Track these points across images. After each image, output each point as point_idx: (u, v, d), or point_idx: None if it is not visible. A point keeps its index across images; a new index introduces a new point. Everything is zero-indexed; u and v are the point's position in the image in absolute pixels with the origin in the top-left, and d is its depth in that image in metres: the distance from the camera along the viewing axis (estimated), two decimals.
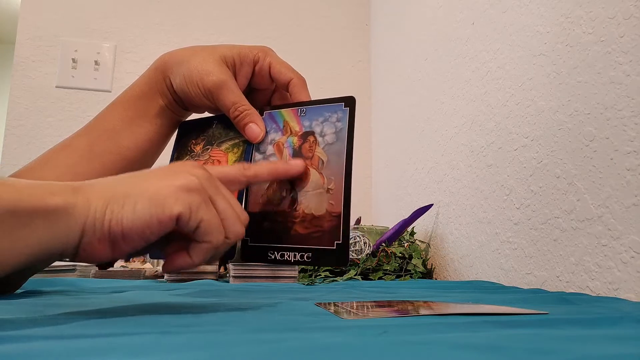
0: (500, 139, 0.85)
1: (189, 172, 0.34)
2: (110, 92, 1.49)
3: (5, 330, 0.26)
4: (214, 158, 0.47)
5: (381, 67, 1.60)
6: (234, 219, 0.35)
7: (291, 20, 1.67)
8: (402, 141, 1.34)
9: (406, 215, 1.09)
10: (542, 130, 0.73)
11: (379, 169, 1.54)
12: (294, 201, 0.42)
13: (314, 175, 0.41)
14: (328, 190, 0.40)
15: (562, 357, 0.20)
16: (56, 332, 0.25)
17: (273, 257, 0.42)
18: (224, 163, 0.46)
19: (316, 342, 0.22)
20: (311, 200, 0.41)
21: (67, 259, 0.32)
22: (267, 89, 0.49)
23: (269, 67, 0.47)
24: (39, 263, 0.31)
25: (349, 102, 0.42)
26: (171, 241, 0.36)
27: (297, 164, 0.42)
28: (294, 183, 0.42)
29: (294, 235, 0.41)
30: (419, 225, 1.14)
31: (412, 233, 1.08)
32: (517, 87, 0.81)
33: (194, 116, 0.52)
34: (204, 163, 0.47)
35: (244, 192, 0.44)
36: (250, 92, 0.48)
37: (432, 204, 1.09)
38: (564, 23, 0.70)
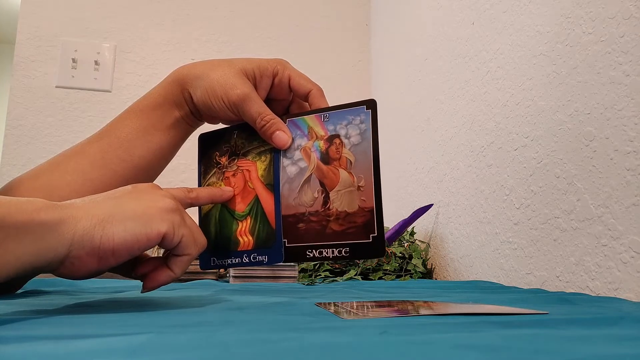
0: (500, 139, 0.85)
1: (160, 194, 0.38)
2: (110, 92, 1.49)
3: (5, 330, 0.26)
4: (242, 168, 0.49)
5: (381, 67, 1.60)
6: (198, 231, 0.40)
7: (291, 20, 1.67)
8: (402, 141, 1.34)
9: (406, 215, 1.09)
10: (542, 130, 0.73)
11: None
12: (326, 201, 0.44)
13: (343, 174, 0.44)
14: (359, 187, 0.43)
15: (562, 357, 0.20)
16: (56, 332, 0.25)
17: (312, 255, 0.44)
18: (254, 172, 0.48)
19: (316, 342, 0.22)
20: (343, 199, 0.43)
21: (52, 272, 0.34)
22: (285, 100, 0.51)
23: (289, 79, 0.49)
24: (27, 275, 0.32)
25: (371, 105, 0.44)
26: (142, 262, 0.40)
27: (228, 190, 0.48)
28: (324, 184, 0.44)
29: (330, 233, 0.43)
30: (419, 225, 1.14)
31: (412, 233, 1.08)
32: (517, 87, 0.81)
33: (206, 128, 0.53)
34: (233, 174, 0.49)
35: (279, 196, 0.46)
36: (268, 102, 0.50)
37: (432, 204, 1.09)
38: (564, 23, 0.70)
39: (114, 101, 1.48)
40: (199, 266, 0.49)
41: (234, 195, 0.48)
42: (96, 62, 1.49)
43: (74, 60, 1.47)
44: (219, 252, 0.48)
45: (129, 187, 0.39)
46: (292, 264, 0.85)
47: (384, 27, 1.58)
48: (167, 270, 0.39)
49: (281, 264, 0.83)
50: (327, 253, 0.43)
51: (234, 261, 0.47)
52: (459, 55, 1.03)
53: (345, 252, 0.42)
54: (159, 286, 0.39)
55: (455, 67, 1.04)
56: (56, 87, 1.45)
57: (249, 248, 0.46)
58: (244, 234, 0.47)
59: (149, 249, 0.37)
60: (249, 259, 0.46)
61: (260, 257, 0.45)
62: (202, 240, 0.40)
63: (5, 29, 3.58)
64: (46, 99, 1.44)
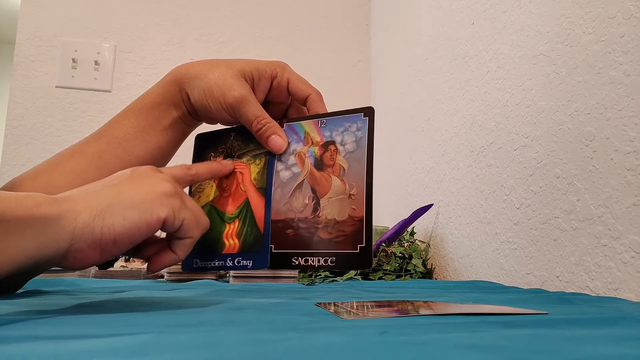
0: (500, 139, 0.85)
1: (158, 177, 0.38)
2: (110, 92, 1.49)
3: (5, 330, 0.26)
4: (236, 170, 0.48)
5: (381, 67, 1.60)
6: (201, 213, 0.41)
7: (291, 20, 1.67)
8: (402, 141, 1.34)
9: (406, 215, 1.09)
10: (542, 130, 0.73)
11: (379, 169, 1.54)
12: (316, 208, 0.43)
13: (335, 182, 0.43)
14: (350, 196, 0.42)
15: (562, 357, 0.20)
16: (56, 332, 0.25)
17: (297, 262, 0.43)
18: (247, 174, 0.47)
19: (316, 342, 0.22)
20: (333, 206, 0.42)
21: (55, 266, 0.34)
22: (283, 103, 0.51)
23: (287, 83, 0.49)
24: (29, 270, 0.33)
25: (368, 112, 0.44)
26: (147, 244, 0.40)
27: (228, 163, 0.48)
28: (315, 191, 0.43)
29: (317, 240, 0.42)
30: (419, 225, 1.14)
31: (412, 233, 1.08)
32: (517, 87, 0.81)
33: (205, 127, 0.53)
34: (226, 176, 0.48)
35: (270, 200, 0.45)
36: (266, 105, 0.49)
37: (432, 204, 1.09)
38: (564, 23, 0.70)
39: (114, 101, 1.48)
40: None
41: (225, 197, 0.47)
42: (96, 62, 1.49)
43: (74, 60, 1.47)
44: (203, 253, 0.47)
45: (127, 171, 0.39)
46: None
47: (384, 27, 1.58)
48: (170, 253, 0.40)
49: None
50: (312, 262, 0.42)
51: (217, 264, 0.46)
52: (459, 55, 1.03)
53: (331, 262, 0.41)
54: (162, 268, 0.40)
55: (455, 67, 1.04)
56: (56, 87, 1.45)
57: (234, 252, 0.45)
58: (231, 237, 0.46)
59: (150, 235, 0.37)
60: (233, 263, 0.45)
61: (244, 261, 0.44)
62: (204, 221, 0.41)
63: (5, 29, 3.58)
64: (46, 99, 1.44)
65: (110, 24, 1.53)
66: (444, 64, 1.10)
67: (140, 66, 1.52)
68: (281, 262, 0.44)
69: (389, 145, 1.42)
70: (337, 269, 0.44)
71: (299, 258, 0.43)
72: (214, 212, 0.47)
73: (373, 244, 0.98)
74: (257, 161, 0.47)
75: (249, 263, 0.44)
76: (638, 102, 0.56)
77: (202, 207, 0.48)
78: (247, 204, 0.46)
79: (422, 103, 1.22)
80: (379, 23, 1.64)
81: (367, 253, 0.40)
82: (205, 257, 0.46)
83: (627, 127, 0.58)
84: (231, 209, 0.47)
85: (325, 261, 0.42)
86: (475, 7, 0.96)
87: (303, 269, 0.43)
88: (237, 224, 0.46)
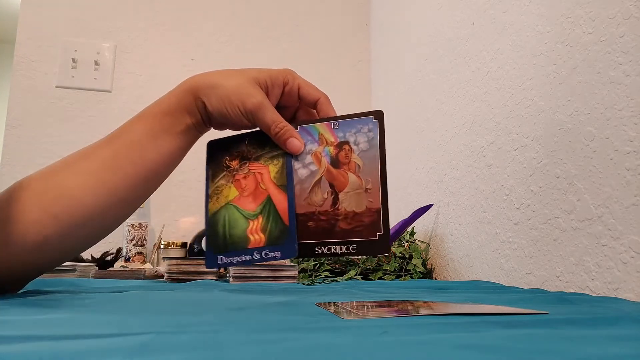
0: (500, 139, 0.85)
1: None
2: (110, 92, 1.49)
3: (5, 330, 0.26)
4: (254, 170, 0.51)
5: (381, 67, 1.60)
6: None
7: (291, 20, 1.67)
8: (402, 141, 1.34)
9: (406, 215, 1.09)
10: (542, 130, 0.73)
11: None
12: (336, 201, 0.47)
13: (351, 177, 0.47)
14: (366, 190, 0.46)
15: (562, 357, 0.20)
16: (56, 332, 0.25)
17: (320, 251, 0.46)
18: (266, 174, 0.50)
19: (316, 342, 0.22)
20: (351, 200, 0.46)
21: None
22: (292, 107, 0.54)
23: (298, 89, 0.53)
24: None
25: (378, 115, 0.48)
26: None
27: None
28: (333, 186, 0.47)
29: (338, 230, 0.46)
30: (419, 225, 1.14)
31: (412, 233, 1.08)
32: (517, 87, 0.81)
33: (214, 134, 0.54)
34: (244, 177, 0.51)
35: (292, 194, 0.48)
36: (277, 109, 0.52)
37: (432, 204, 1.09)
38: (564, 23, 0.70)
39: (114, 101, 1.48)
40: (204, 265, 0.50)
41: (245, 196, 0.50)
42: (96, 62, 1.49)
43: (74, 60, 1.47)
44: (228, 250, 0.49)
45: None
46: (292, 264, 0.85)
47: (384, 27, 1.58)
48: None
49: (281, 264, 0.83)
50: (335, 249, 0.45)
51: (243, 258, 0.48)
52: (459, 55, 1.03)
53: (352, 249, 0.45)
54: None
55: (455, 67, 1.04)
56: (56, 87, 1.45)
57: (260, 245, 0.48)
58: (255, 232, 0.48)
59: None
60: (261, 256, 0.47)
61: (272, 253, 0.47)
62: None
63: (5, 29, 3.57)
64: (46, 99, 1.44)
65: (110, 24, 1.53)
66: (444, 64, 1.10)
67: (140, 66, 1.52)
68: (306, 251, 0.47)
69: (388, 145, 1.41)
70: (358, 255, 0.48)
71: (322, 247, 0.46)
72: (235, 210, 0.50)
73: None
74: (275, 162, 0.50)
75: (278, 254, 0.47)
76: (638, 102, 0.56)
77: (222, 206, 0.50)
78: (269, 200, 0.49)
79: (422, 103, 1.22)
80: (379, 23, 1.64)
81: (385, 240, 0.44)
82: (230, 254, 0.49)
83: (627, 127, 0.58)
84: (252, 206, 0.49)
85: (347, 248, 0.45)
86: (475, 7, 0.96)
87: (326, 256, 0.49)
88: (260, 220, 0.49)
